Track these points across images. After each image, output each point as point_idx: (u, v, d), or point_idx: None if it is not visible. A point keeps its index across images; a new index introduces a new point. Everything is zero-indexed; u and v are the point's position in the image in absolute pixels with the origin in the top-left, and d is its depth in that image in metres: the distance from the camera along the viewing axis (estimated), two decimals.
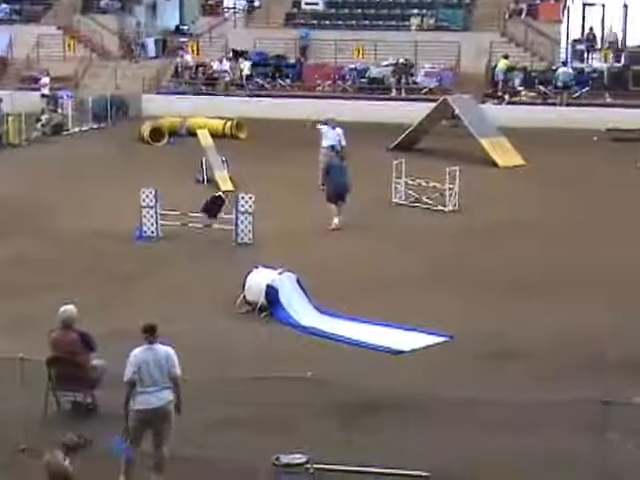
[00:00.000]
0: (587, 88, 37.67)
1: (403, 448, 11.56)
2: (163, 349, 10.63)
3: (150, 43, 44.14)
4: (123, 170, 27.83)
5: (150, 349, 10.56)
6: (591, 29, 40.96)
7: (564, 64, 38.44)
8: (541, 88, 37.88)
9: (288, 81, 40.55)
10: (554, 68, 38.41)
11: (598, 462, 10.88)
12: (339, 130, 25.95)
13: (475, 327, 15.79)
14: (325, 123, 26.28)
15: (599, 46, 41.10)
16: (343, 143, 25.78)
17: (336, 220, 21.95)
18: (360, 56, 40.41)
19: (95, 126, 36.50)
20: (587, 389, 12.56)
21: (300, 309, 16.46)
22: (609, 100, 37.13)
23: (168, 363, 10.56)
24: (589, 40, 40.63)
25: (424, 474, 10.90)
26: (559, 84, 37.39)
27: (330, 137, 25.77)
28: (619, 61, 39.65)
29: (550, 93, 37.57)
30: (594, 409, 10.89)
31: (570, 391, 12.48)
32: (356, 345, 15.19)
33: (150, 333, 10.61)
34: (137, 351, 10.57)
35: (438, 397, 12.29)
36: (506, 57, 38.49)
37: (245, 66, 40.54)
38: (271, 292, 16.38)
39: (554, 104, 37.01)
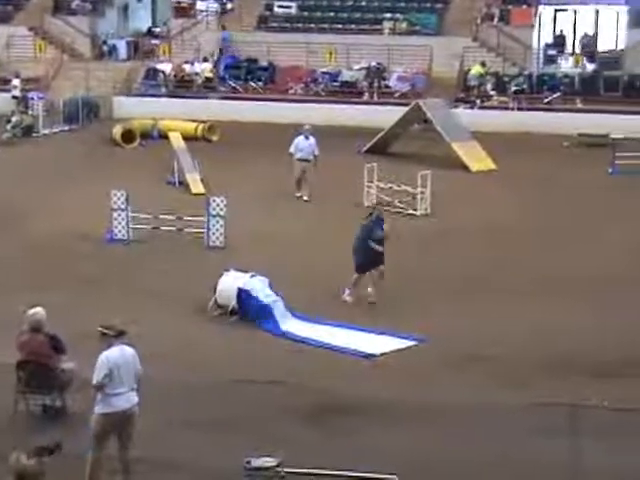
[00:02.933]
0: (558, 93, 37.80)
1: (373, 451, 11.52)
2: (130, 351, 10.62)
3: (121, 45, 43.96)
4: (94, 172, 27.65)
5: (120, 351, 10.52)
6: (561, 32, 41.15)
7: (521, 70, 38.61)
8: (512, 93, 37.93)
9: (260, 84, 40.50)
10: (514, 74, 38.56)
11: (567, 466, 10.90)
12: (312, 140, 25.51)
13: (446, 330, 15.79)
14: (300, 133, 25.84)
15: (569, 51, 41.24)
16: (316, 153, 25.48)
17: (369, 290, 17.74)
18: (332, 60, 40.41)
19: (66, 128, 36.23)
20: (557, 392, 12.61)
21: (272, 312, 16.42)
22: (580, 105, 37.24)
23: (135, 364, 10.57)
24: (557, 45, 40.78)
25: (392, 477, 10.87)
26: (515, 89, 37.62)
27: (303, 148, 25.45)
28: (592, 66, 39.77)
29: (521, 98, 37.65)
30: (563, 412, 10.91)
31: (540, 394, 12.53)
32: (327, 349, 15.17)
33: (120, 335, 10.57)
34: (108, 354, 10.48)
35: (407, 401, 12.31)
36: (483, 64, 38.58)
37: (205, 69, 40.48)
38: (242, 295, 16.35)
39: (523, 109, 37.05)
